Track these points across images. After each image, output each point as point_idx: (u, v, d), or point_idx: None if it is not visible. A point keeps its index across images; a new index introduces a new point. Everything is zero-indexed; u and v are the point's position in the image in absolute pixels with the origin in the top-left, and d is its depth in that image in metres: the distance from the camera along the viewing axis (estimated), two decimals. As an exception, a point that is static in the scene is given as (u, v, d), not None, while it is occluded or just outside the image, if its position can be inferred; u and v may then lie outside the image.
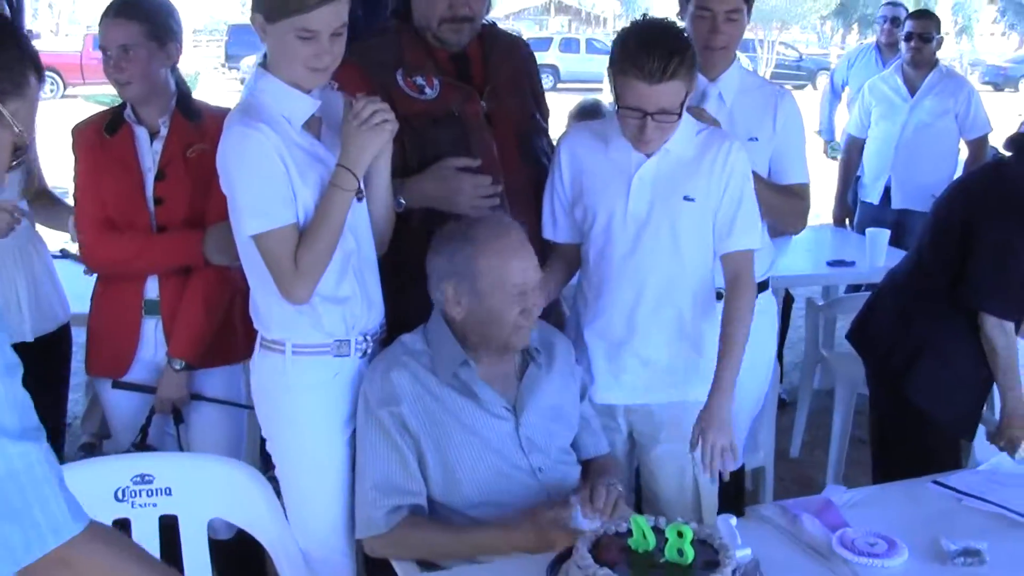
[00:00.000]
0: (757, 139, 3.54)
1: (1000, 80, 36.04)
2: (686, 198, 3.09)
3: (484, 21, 3.44)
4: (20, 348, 3.31)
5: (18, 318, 3.54)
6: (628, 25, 3.06)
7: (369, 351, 3.02)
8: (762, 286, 3.54)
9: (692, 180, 3.09)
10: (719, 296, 3.21)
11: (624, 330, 3.15)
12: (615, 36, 3.06)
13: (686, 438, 3.00)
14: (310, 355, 2.93)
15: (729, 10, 3.48)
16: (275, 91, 2.83)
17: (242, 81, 29.46)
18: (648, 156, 3.09)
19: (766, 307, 3.58)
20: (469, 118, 3.30)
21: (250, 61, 29.25)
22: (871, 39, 8.45)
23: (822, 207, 6.87)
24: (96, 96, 14.93)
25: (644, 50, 2.88)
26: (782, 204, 3.57)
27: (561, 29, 35.84)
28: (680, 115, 2.98)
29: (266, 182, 2.77)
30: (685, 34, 3.05)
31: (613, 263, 3.14)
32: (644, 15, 3.09)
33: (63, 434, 4.03)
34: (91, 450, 5.19)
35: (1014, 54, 46.39)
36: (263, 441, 3.12)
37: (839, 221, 6.83)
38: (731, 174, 3.11)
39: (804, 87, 31.52)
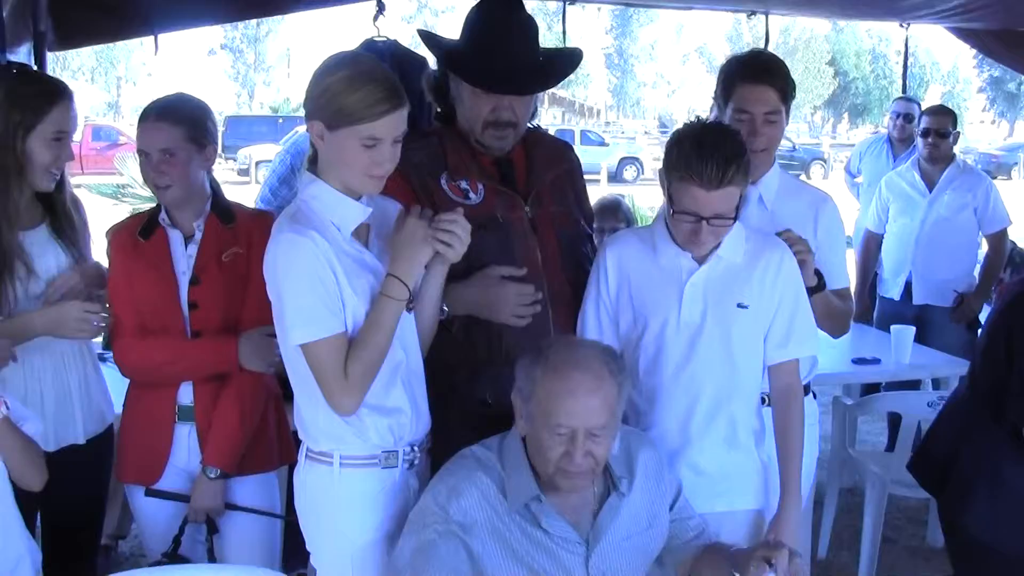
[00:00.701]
0: None
1: (993, 168, 36.28)
2: (740, 305, 3.07)
3: (528, 126, 3.43)
4: (70, 451, 3.27)
5: (72, 419, 3.49)
6: (683, 127, 3.05)
7: (417, 461, 2.97)
8: (804, 389, 3.49)
9: (745, 287, 3.08)
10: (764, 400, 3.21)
11: (678, 440, 3.11)
12: (669, 138, 3.06)
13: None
14: (358, 467, 2.86)
15: (768, 112, 3.46)
16: (326, 197, 2.80)
17: (239, 172, 29.74)
18: (700, 263, 3.07)
19: (809, 411, 3.53)
20: (513, 224, 3.28)
21: (248, 152, 29.66)
22: (865, 128, 8.56)
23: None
24: (99, 187, 15.00)
25: (701, 156, 2.88)
26: (840, 307, 3.55)
27: (554, 121, 36.12)
28: (735, 219, 2.97)
29: (315, 290, 2.72)
30: (739, 137, 3.05)
31: (666, 372, 3.10)
32: (697, 117, 3.09)
33: (99, 538, 3.91)
34: (107, 552, 5.10)
35: (1004, 142, 46.91)
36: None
37: (859, 317, 6.79)
38: (785, 282, 3.11)
39: (799, 175, 31.77)
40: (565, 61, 3.45)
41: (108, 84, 69.48)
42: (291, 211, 2.83)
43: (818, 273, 3.35)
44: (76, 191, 3.63)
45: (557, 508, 2.79)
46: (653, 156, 33.14)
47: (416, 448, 2.96)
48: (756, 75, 3.47)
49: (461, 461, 2.84)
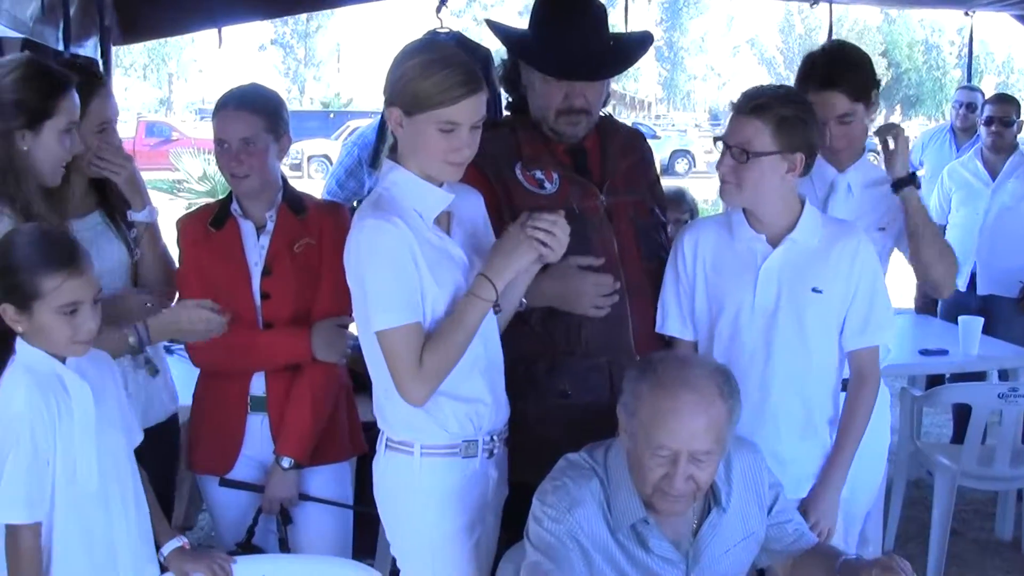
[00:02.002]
0: (885, 229, 3.53)
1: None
2: (814, 290, 3.06)
3: (601, 113, 3.42)
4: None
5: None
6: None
7: (496, 451, 2.96)
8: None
9: (820, 271, 3.08)
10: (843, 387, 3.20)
11: (752, 425, 3.04)
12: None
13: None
14: (438, 457, 2.85)
15: (840, 115, 3.48)
16: (407, 184, 2.80)
17: (292, 167, 29.81)
18: (773, 246, 3.06)
19: (882, 400, 3.51)
20: (589, 213, 3.26)
21: (299, 147, 29.71)
22: (917, 119, 8.45)
23: (902, 295, 6.77)
24: (154, 183, 15.14)
25: (744, 93, 3.08)
26: (948, 251, 3.58)
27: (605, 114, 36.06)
28: (748, 156, 3.01)
29: (397, 277, 2.72)
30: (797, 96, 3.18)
31: (742, 357, 3.08)
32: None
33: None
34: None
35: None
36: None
37: (924, 309, 6.73)
38: (862, 268, 3.10)
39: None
40: (635, 45, 3.44)
41: (160, 81, 70.01)
42: (373, 198, 2.83)
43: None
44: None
45: (660, 527, 2.74)
46: (704, 149, 32.91)
47: (495, 438, 2.95)
48: (822, 82, 3.49)
49: (575, 470, 2.77)
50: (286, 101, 3.50)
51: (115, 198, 3.44)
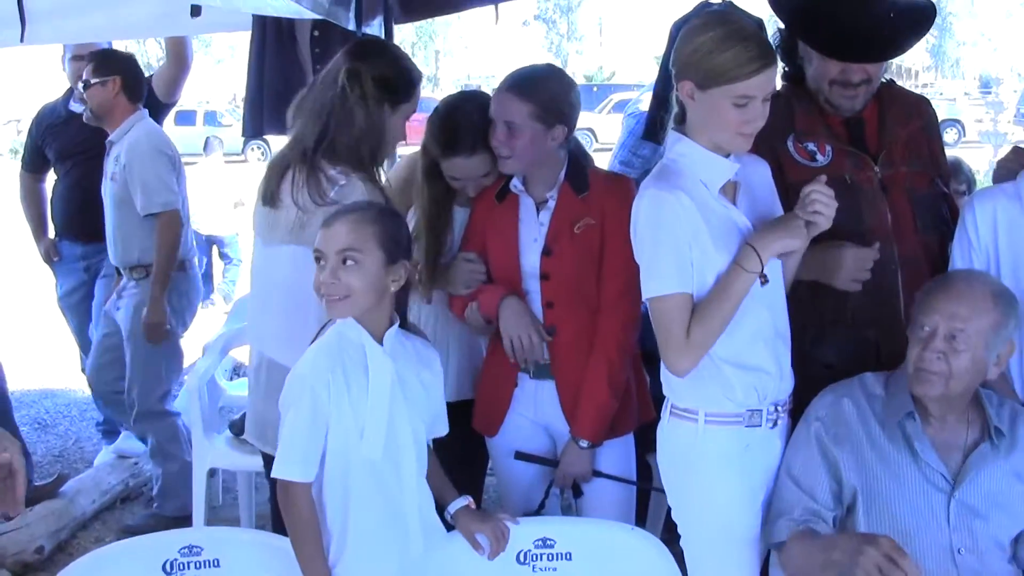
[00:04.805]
0: None
1: None
2: None
3: (883, 79, 3.36)
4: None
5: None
6: None
7: (780, 421, 2.97)
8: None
9: None
10: None
11: None
12: None
13: None
14: (723, 424, 2.87)
15: None
16: (694, 155, 2.83)
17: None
18: None
19: None
20: (862, 185, 3.22)
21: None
22: None
23: None
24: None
25: None
26: None
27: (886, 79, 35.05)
28: None
29: (669, 247, 2.77)
30: None
31: None
32: None
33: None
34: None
35: None
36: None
37: None
38: None
39: None
40: (916, 21, 3.30)
41: (427, 58, 71.64)
42: (658, 169, 2.88)
43: None
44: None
45: (930, 440, 2.83)
46: (975, 118, 31.60)
47: (779, 408, 2.96)
48: None
49: (851, 383, 2.96)
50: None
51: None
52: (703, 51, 2.75)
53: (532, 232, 3.39)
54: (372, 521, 2.86)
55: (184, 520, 4.80)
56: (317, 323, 2.96)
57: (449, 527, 3.07)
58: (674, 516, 3.04)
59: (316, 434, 2.78)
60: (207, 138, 13.86)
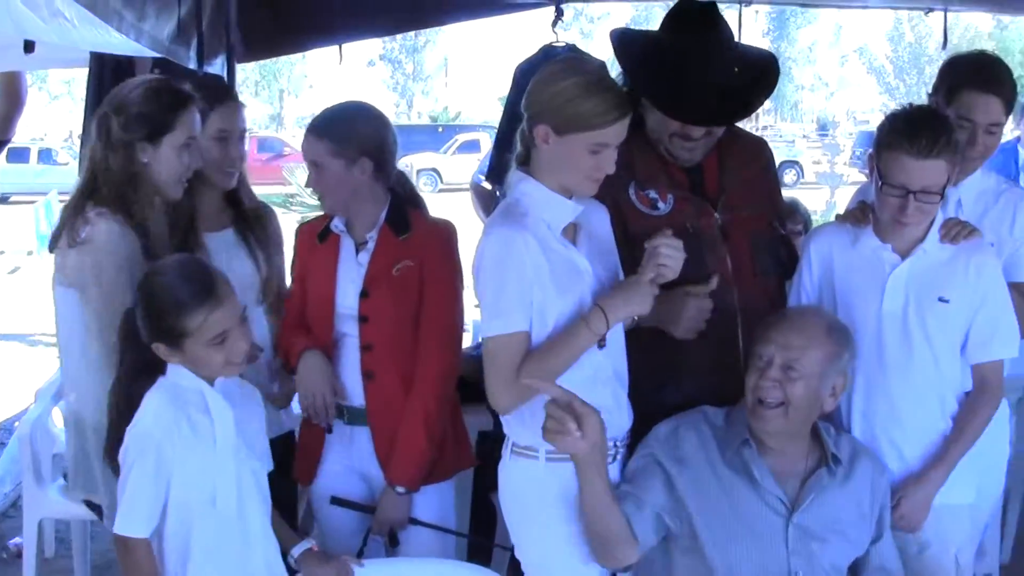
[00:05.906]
0: (993, 244, 3.45)
1: None
2: (941, 299, 3.08)
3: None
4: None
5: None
6: (893, 110, 3.11)
7: (619, 456, 3.01)
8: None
9: (947, 282, 3.09)
10: None
11: (879, 430, 3.15)
12: (881, 120, 3.12)
13: (947, 543, 3.06)
14: (563, 461, 2.87)
15: (991, 123, 3.47)
16: (538, 195, 2.87)
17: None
18: (903, 257, 3.09)
19: (1000, 410, 3.49)
20: (704, 231, 3.23)
21: (409, 160, 29.75)
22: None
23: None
24: (267, 197, 15.35)
25: (913, 127, 2.95)
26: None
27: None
28: (941, 198, 2.99)
29: (514, 287, 2.80)
30: (948, 120, 3.12)
31: (868, 363, 3.12)
32: (910, 103, 3.14)
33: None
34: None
35: None
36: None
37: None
38: (989, 281, 3.11)
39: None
40: (765, 73, 3.31)
41: (271, 97, 70.99)
42: (503, 207, 2.91)
43: None
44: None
45: (768, 465, 2.90)
46: (812, 160, 32.53)
47: (618, 444, 3.01)
48: (986, 84, 3.47)
49: (692, 413, 3.02)
50: (396, 116, 3.52)
51: (249, 215, 3.58)
52: (564, 97, 2.79)
53: (351, 273, 3.36)
54: (215, 572, 2.83)
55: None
56: (86, 366, 3.01)
57: (292, 571, 3.03)
58: (516, 552, 3.06)
59: (159, 490, 2.75)
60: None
